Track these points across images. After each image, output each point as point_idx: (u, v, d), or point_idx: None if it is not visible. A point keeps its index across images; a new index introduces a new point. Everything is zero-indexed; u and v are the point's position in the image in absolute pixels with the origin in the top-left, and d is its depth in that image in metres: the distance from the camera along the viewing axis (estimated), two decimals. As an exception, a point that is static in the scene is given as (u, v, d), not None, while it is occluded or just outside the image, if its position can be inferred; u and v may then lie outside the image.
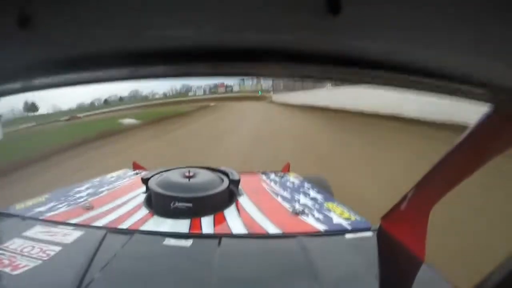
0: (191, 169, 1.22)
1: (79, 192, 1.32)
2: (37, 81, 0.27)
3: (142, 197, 1.18)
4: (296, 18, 0.22)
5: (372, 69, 0.24)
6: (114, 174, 1.72)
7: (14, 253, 0.76)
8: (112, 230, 0.91)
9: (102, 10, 0.22)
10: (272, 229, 0.93)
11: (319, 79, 0.28)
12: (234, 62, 0.24)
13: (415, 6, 0.22)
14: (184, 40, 0.23)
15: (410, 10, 0.22)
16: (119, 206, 1.11)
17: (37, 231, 0.89)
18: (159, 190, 1.06)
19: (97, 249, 0.78)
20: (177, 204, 1.01)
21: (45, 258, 0.74)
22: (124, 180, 1.54)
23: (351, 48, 0.23)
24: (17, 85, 0.28)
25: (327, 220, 1.00)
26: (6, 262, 0.72)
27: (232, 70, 0.26)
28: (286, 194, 1.29)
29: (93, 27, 0.22)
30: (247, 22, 0.22)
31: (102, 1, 0.22)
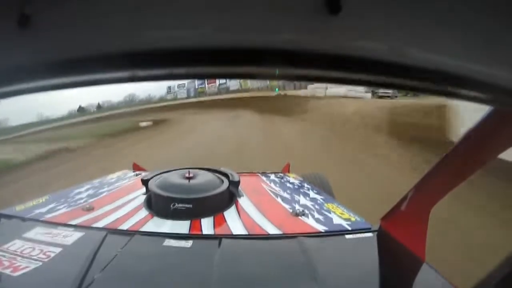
0: (190, 170, 1.22)
1: (79, 193, 1.32)
2: (37, 83, 0.27)
3: (142, 198, 1.18)
4: (296, 18, 0.22)
5: (372, 70, 0.24)
6: (114, 175, 1.72)
7: (15, 254, 0.76)
8: (112, 231, 0.91)
9: (102, 10, 0.22)
10: (272, 230, 0.93)
11: (319, 80, 0.28)
12: (233, 63, 0.24)
13: (416, 7, 0.22)
14: (183, 41, 0.23)
15: (410, 11, 0.22)
16: (119, 207, 1.11)
17: (37, 232, 0.89)
18: (159, 191, 1.06)
19: (97, 250, 0.78)
20: (177, 205, 1.01)
21: (46, 260, 0.74)
22: (124, 182, 1.54)
23: (351, 48, 0.23)
24: (17, 86, 0.28)
25: (327, 220, 1.00)
26: (7, 263, 0.72)
27: (231, 71, 0.26)
28: (286, 195, 1.29)
29: (93, 28, 0.22)
30: (246, 22, 0.22)
31: (102, 2, 0.22)
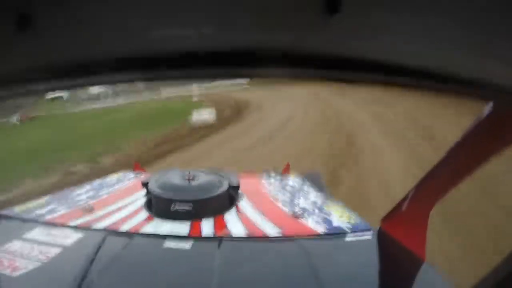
0: (191, 172, 1.22)
1: (79, 195, 1.32)
2: (37, 85, 0.27)
3: (142, 199, 1.18)
4: (295, 18, 0.22)
5: (370, 69, 0.24)
6: (114, 176, 1.72)
7: (14, 255, 0.76)
8: (112, 232, 0.90)
9: (102, 13, 0.22)
10: (272, 232, 0.93)
11: (318, 80, 0.28)
12: (231, 63, 0.24)
13: (415, 8, 0.22)
14: (182, 43, 0.23)
15: (410, 11, 0.22)
16: (119, 208, 1.11)
17: (37, 233, 0.89)
18: (159, 193, 1.06)
19: (96, 251, 0.78)
20: (177, 206, 1.01)
21: (45, 260, 0.74)
22: (124, 183, 1.54)
23: (350, 48, 0.23)
24: (17, 89, 0.28)
25: (327, 222, 1.00)
26: (6, 263, 0.71)
27: (229, 71, 0.25)
28: (286, 196, 1.29)
29: (93, 31, 0.22)
30: (245, 23, 0.22)
31: (102, 4, 0.22)
